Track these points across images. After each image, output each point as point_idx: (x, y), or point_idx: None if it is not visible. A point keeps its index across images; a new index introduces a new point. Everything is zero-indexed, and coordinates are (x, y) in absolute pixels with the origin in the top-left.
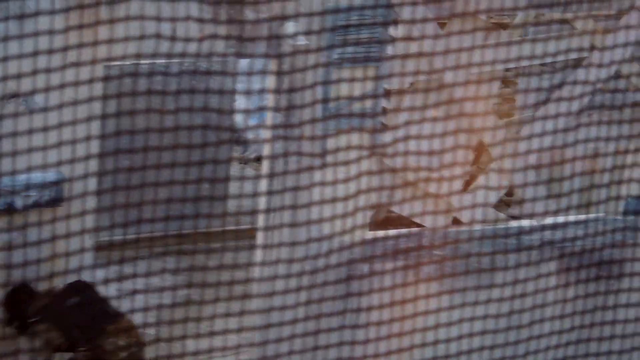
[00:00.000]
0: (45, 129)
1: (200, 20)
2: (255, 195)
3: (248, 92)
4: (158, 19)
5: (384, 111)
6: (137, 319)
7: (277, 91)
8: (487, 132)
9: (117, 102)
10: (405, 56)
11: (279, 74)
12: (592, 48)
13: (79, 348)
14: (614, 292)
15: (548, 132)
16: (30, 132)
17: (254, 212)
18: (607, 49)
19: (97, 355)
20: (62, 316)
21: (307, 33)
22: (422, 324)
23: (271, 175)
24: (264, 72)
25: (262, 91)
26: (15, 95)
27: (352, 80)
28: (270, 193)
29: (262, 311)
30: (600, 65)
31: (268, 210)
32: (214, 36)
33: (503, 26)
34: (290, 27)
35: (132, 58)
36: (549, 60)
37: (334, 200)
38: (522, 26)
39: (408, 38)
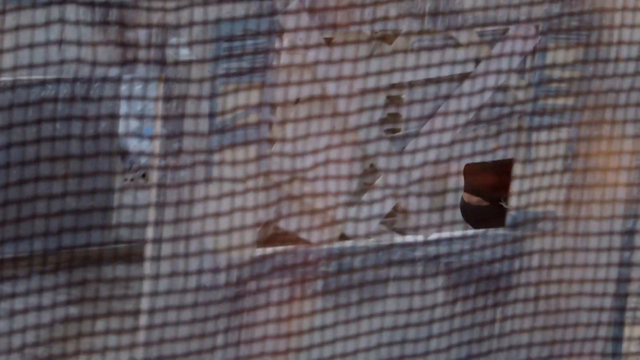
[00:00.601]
0: None
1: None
2: (143, 208)
3: (133, 114)
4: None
5: (270, 124)
6: (17, 340)
7: (163, 107)
8: (374, 146)
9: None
10: (290, 68)
11: (165, 86)
12: (477, 61)
13: None
14: (500, 305)
15: (433, 146)
16: None
17: (141, 227)
18: (493, 61)
19: None
20: None
21: (191, 45)
22: (307, 340)
23: (158, 190)
24: (147, 80)
25: (146, 108)
26: None
27: (237, 92)
28: (158, 207)
29: (148, 329)
30: (485, 79)
31: (156, 225)
32: (99, 51)
33: (387, 39)
34: (174, 40)
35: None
36: (434, 74)
37: (220, 216)
38: (407, 39)
39: (293, 49)
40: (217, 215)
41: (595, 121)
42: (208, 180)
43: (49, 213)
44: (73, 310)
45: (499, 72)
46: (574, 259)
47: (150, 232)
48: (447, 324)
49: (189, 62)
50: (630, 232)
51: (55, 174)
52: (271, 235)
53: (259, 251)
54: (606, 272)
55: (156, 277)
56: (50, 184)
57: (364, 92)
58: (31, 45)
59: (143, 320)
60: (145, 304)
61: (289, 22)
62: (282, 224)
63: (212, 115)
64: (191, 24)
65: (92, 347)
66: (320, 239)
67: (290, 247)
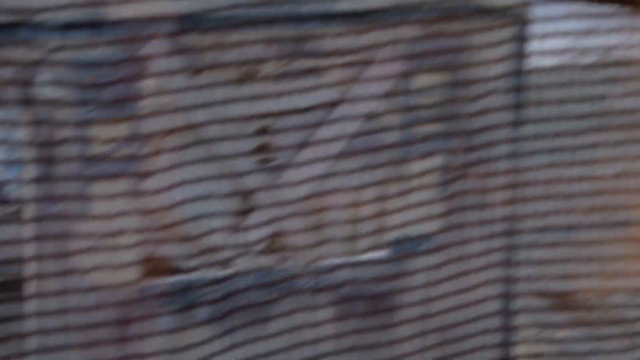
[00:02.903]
0: None
1: None
2: (19, 243)
3: (3, 144)
4: None
5: (144, 156)
6: None
7: (33, 141)
8: (247, 175)
9: None
10: (159, 99)
11: (33, 124)
12: (344, 94)
13: None
14: (386, 327)
15: (310, 173)
16: None
17: (19, 262)
18: (360, 88)
19: None
20: None
21: (59, 83)
22: None
23: (35, 223)
24: (16, 124)
25: (17, 142)
26: None
27: (108, 124)
28: (35, 240)
29: None
30: (353, 107)
31: (35, 258)
32: None
33: (253, 75)
34: (42, 75)
35: None
36: (302, 106)
37: (100, 245)
38: (272, 75)
39: (160, 92)
40: (100, 249)
41: (467, 146)
42: (85, 213)
43: None
44: None
45: (367, 98)
46: (456, 276)
47: (30, 267)
48: (335, 345)
49: (55, 101)
50: (511, 248)
51: None
52: (153, 266)
53: (143, 283)
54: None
55: (41, 314)
56: None
57: (232, 120)
58: None
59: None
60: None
61: (154, 61)
62: (162, 252)
63: (83, 147)
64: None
65: None
66: (201, 267)
67: (173, 276)
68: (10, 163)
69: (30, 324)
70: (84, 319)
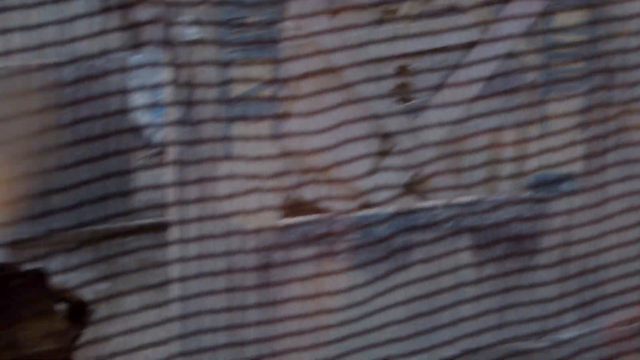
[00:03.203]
0: None
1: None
2: (162, 187)
3: (144, 88)
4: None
5: (285, 97)
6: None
7: (174, 83)
8: (387, 115)
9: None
10: (300, 41)
11: (175, 65)
12: (484, 29)
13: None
14: (527, 270)
15: (450, 115)
16: None
17: (162, 206)
18: (500, 27)
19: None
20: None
21: (201, 23)
22: (342, 313)
23: (177, 167)
24: (158, 66)
25: (158, 85)
26: None
27: (249, 65)
28: (177, 185)
29: (181, 303)
30: (493, 46)
31: (177, 203)
32: (105, 32)
33: (392, 15)
34: (183, 17)
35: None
36: (441, 44)
37: (243, 189)
38: (411, 14)
39: (300, 27)
40: (242, 189)
41: (609, 85)
42: (227, 156)
43: (68, 190)
44: (103, 287)
45: (507, 37)
46: (597, 219)
47: (172, 211)
48: (475, 288)
49: (197, 41)
50: None
51: (77, 154)
52: (294, 207)
53: (285, 221)
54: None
55: (183, 259)
56: (73, 162)
57: (371, 62)
58: (26, 28)
59: (175, 291)
60: (174, 272)
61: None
62: (304, 195)
63: (224, 89)
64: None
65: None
66: (342, 208)
67: (314, 216)
68: (151, 106)
69: (173, 271)
70: (226, 264)
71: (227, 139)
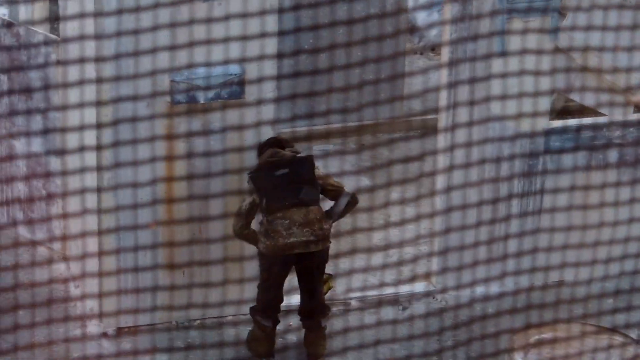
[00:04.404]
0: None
1: None
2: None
3: None
4: None
5: None
6: None
7: None
8: None
9: None
10: None
11: None
12: None
13: None
14: None
15: None
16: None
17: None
18: None
19: None
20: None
21: None
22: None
23: (451, 66)
24: None
25: None
26: None
27: None
28: (451, 86)
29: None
30: None
31: (449, 104)
32: None
33: None
34: None
35: None
36: None
37: (515, 90)
38: None
39: None
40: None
41: None
42: (501, 53)
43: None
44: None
45: None
46: None
47: (442, 102)
48: None
49: None
50: None
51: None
52: (564, 108)
53: (553, 123)
54: None
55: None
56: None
57: None
58: None
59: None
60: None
61: None
62: (574, 97)
63: None
64: None
65: None
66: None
67: (585, 119)
68: (430, 6)
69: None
70: (494, 170)
71: (502, 36)
